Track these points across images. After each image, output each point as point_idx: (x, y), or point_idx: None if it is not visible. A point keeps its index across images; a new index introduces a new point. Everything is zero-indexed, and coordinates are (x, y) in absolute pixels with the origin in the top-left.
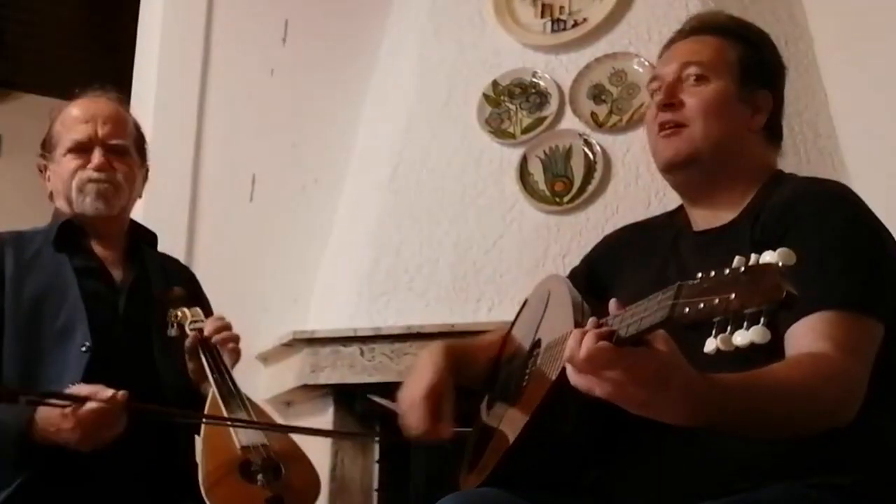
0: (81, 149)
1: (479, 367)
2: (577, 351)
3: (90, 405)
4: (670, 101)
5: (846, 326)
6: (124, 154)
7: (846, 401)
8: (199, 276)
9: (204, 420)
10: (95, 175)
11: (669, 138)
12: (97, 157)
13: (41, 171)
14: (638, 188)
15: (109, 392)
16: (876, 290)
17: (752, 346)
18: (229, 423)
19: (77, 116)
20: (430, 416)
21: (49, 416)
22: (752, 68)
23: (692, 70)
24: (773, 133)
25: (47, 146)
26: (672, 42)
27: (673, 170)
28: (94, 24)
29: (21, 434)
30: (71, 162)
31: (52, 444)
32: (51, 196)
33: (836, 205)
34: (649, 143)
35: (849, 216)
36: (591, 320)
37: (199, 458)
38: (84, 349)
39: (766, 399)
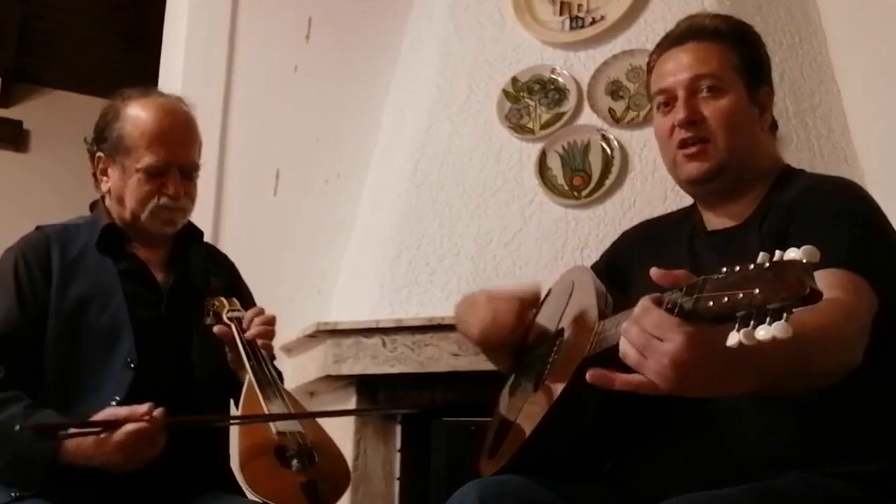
0: (158, 173)
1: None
2: (644, 318)
3: (127, 428)
4: (693, 119)
5: (851, 279)
6: (195, 170)
7: (860, 339)
8: None
9: (239, 421)
10: (171, 204)
11: (695, 157)
12: (173, 185)
13: (93, 159)
14: (655, 182)
15: (144, 409)
16: (875, 266)
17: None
18: (262, 419)
19: (154, 133)
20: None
21: (80, 444)
22: (753, 69)
23: (705, 82)
24: (772, 125)
25: (112, 144)
26: (665, 49)
27: (698, 185)
28: (121, 21)
29: (48, 467)
30: (145, 185)
31: (86, 467)
32: (95, 178)
33: (839, 194)
34: (664, 155)
35: (851, 203)
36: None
37: (234, 441)
38: (131, 365)
39: (804, 345)
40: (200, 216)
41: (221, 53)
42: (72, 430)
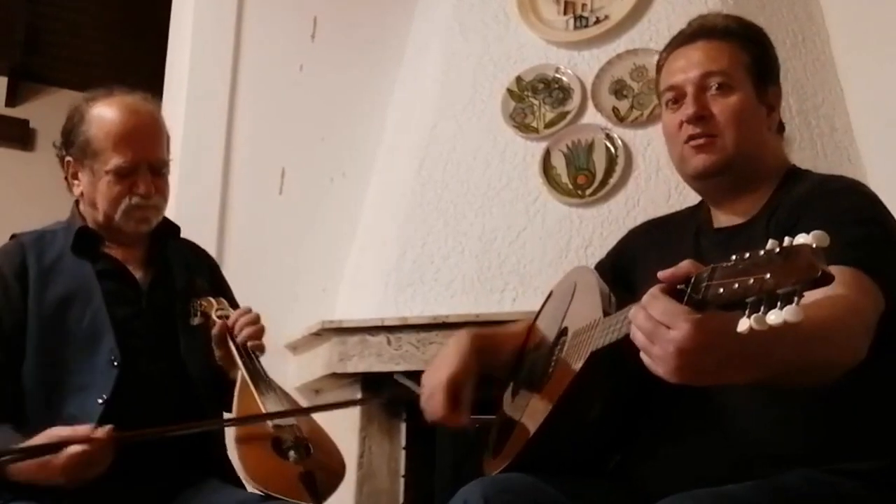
0: (127, 173)
1: (505, 356)
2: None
3: (69, 450)
4: (702, 115)
5: (858, 277)
6: (164, 167)
7: (864, 335)
8: (229, 267)
9: (201, 427)
10: (143, 202)
11: (702, 150)
12: (143, 183)
13: (63, 164)
14: (658, 181)
15: (86, 429)
16: (881, 265)
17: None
18: (227, 423)
19: (120, 134)
20: (448, 404)
21: (23, 467)
22: (762, 68)
23: (714, 80)
24: (780, 125)
25: (80, 148)
26: (676, 47)
27: (703, 179)
28: (127, 20)
29: None
30: (115, 186)
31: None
32: (67, 182)
33: (847, 193)
34: (672, 151)
35: (859, 202)
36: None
37: (230, 431)
38: (115, 363)
39: (808, 338)
40: (206, 213)
41: (227, 52)
42: (14, 456)
